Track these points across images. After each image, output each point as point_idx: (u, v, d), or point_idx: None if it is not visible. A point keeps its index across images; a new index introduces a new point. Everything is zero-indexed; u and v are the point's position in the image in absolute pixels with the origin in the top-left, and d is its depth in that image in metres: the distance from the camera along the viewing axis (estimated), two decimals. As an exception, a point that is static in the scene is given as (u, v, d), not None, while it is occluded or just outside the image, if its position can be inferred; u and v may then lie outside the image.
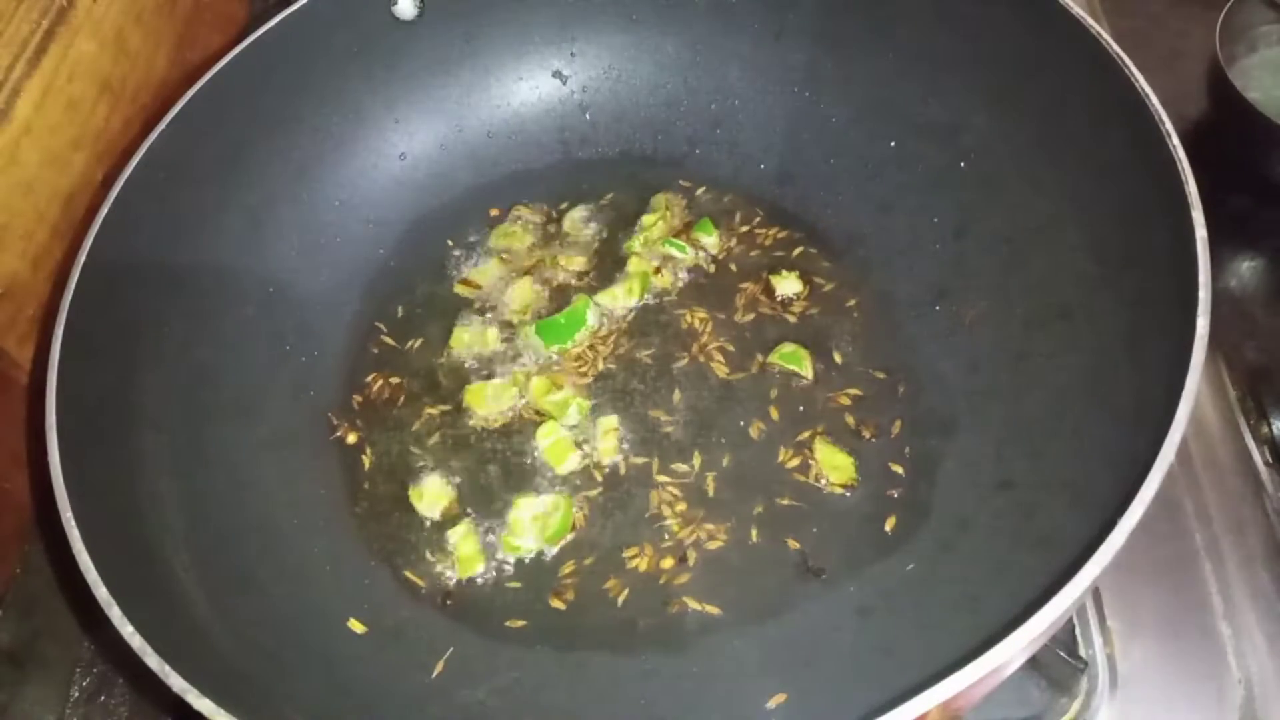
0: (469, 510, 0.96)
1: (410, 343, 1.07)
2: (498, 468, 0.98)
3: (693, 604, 0.88)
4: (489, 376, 1.03)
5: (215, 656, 0.75)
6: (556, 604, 0.90)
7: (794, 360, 0.99)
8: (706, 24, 1.12)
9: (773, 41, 1.10)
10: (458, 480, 0.98)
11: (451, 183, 1.15)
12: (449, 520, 0.95)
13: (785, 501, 0.92)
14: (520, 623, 0.89)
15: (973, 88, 0.96)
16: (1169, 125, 0.76)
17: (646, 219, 1.11)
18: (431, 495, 0.96)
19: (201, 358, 0.96)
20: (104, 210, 0.89)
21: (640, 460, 0.96)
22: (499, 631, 0.89)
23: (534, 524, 0.93)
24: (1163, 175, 0.75)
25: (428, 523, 0.96)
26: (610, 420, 0.99)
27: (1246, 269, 1.11)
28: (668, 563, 0.91)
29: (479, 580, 0.92)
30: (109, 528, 0.76)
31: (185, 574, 0.81)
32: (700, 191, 1.13)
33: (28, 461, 1.01)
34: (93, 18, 1.04)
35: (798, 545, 0.90)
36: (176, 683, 0.65)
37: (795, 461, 0.94)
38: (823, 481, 0.93)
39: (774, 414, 0.98)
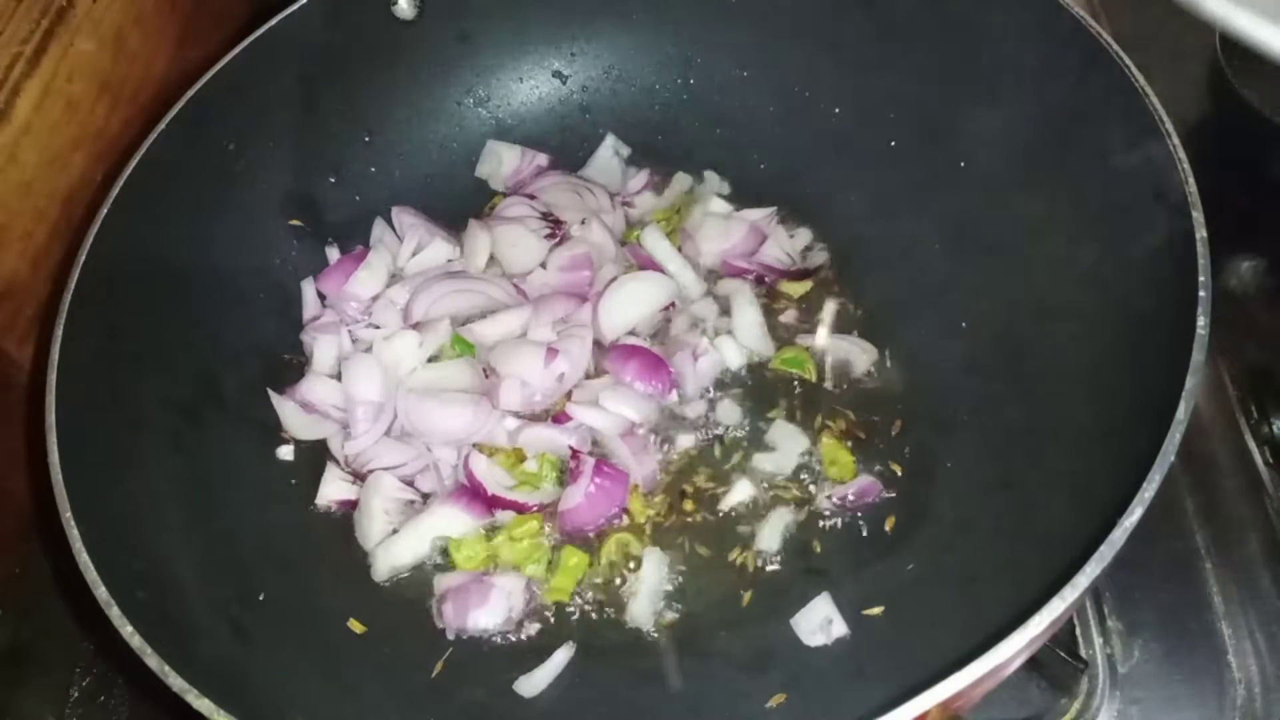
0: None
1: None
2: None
3: (693, 604, 0.89)
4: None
5: (215, 656, 0.75)
6: (555, 604, 0.90)
7: (795, 365, 0.99)
8: (706, 24, 1.12)
9: (773, 41, 1.10)
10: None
11: (452, 183, 1.15)
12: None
13: (786, 501, 0.92)
14: (519, 623, 0.89)
15: (973, 88, 0.96)
16: (1169, 125, 0.76)
17: (658, 213, 1.11)
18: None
19: (201, 358, 0.96)
20: (104, 210, 0.89)
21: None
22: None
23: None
24: (1163, 175, 0.75)
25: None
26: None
27: (1246, 269, 1.10)
28: (668, 562, 0.91)
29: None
30: (109, 528, 0.76)
31: (185, 574, 0.81)
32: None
33: (28, 461, 1.01)
34: (93, 18, 1.04)
35: (799, 545, 0.90)
36: (176, 683, 0.65)
37: (796, 462, 0.94)
38: (823, 480, 0.93)
39: (774, 414, 0.98)
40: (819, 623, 0.84)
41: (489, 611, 0.88)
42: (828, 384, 0.99)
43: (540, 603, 0.90)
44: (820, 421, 0.96)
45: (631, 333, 1.02)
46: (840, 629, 0.84)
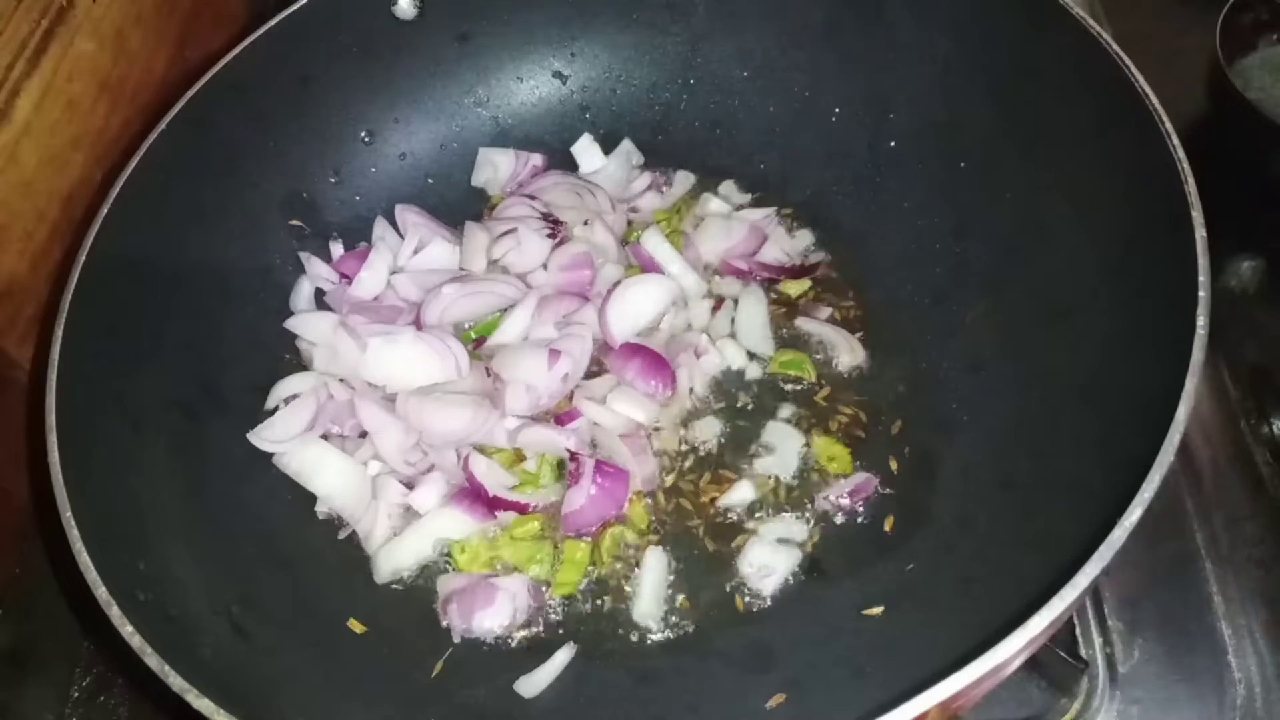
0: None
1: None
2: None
3: (693, 603, 0.89)
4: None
5: (215, 656, 0.75)
6: (557, 604, 0.90)
7: (794, 366, 0.99)
8: (706, 24, 1.12)
9: (773, 41, 1.10)
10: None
11: (452, 183, 1.15)
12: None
13: (786, 501, 0.92)
14: (520, 623, 0.89)
15: (973, 87, 0.96)
16: (1169, 125, 0.76)
17: (659, 214, 1.11)
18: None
19: (201, 358, 0.96)
20: (104, 210, 0.89)
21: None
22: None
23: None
24: (1163, 175, 0.75)
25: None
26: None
27: (1246, 269, 1.11)
28: (668, 562, 0.91)
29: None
30: (109, 528, 0.76)
31: (185, 574, 0.81)
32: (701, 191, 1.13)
33: (28, 461, 1.01)
34: (92, 18, 1.04)
35: (798, 545, 0.90)
36: (176, 683, 0.65)
37: (796, 462, 0.94)
38: (822, 480, 0.93)
39: (773, 415, 0.98)
40: (760, 563, 0.87)
41: (494, 613, 0.88)
42: (826, 385, 0.99)
43: (543, 602, 0.90)
44: (819, 422, 0.97)
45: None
46: (774, 584, 0.87)
